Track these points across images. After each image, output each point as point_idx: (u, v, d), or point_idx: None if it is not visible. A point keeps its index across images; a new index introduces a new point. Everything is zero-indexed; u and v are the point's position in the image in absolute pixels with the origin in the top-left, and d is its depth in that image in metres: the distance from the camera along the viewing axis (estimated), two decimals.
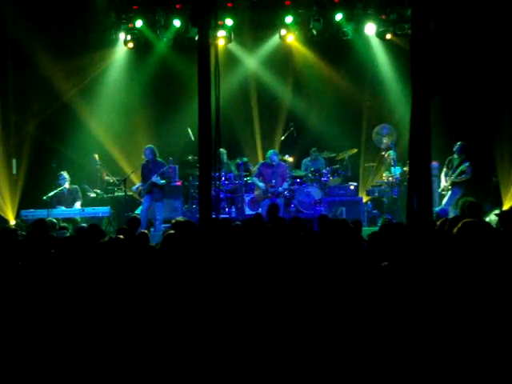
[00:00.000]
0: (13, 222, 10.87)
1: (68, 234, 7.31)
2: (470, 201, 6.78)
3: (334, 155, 11.99)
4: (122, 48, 12.39)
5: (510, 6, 10.84)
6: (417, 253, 3.46)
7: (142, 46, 12.37)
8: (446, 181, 10.59)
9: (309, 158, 12.00)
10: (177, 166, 11.78)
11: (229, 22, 11.83)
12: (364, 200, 11.57)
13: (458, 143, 10.61)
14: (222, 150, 11.08)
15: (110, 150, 12.49)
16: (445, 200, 10.45)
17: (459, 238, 3.96)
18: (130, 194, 11.13)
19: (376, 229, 7.61)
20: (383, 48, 12.48)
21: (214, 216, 4.13)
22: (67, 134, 12.18)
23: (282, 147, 12.42)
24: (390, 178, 11.23)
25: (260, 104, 13.12)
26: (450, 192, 10.47)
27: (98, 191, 11.66)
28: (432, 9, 3.55)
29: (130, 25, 11.92)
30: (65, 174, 10.79)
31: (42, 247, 4.96)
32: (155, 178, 10.29)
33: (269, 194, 10.92)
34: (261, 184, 11.00)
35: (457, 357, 3.28)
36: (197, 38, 4.07)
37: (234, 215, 11.03)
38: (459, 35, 11.43)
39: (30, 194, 11.27)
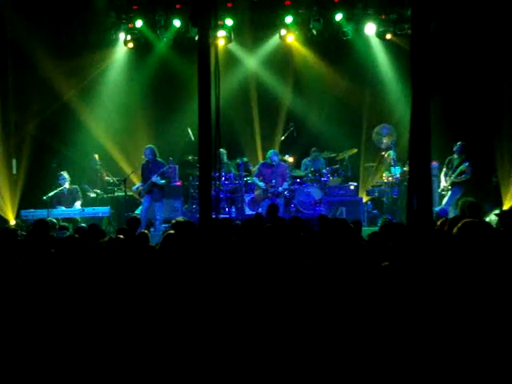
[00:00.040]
0: (13, 222, 10.87)
1: (68, 234, 7.32)
2: (469, 201, 6.78)
3: (334, 155, 11.99)
4: (121, 48, 12.40)
5: (510, 6, 10.84)
6: (417, 253, 3.45)
7: (141, 46, 12.38)
8: (446, 181, 10.59)
9: (309, 158, 12.01)
10: (177, 166, 11.79)
11: (229, 21, 11.83)
12: (364, 200, 11.57)
13: (458, 143, 10.61)
14: (222, 150, 11.09)
15: (110, 150, 12.50)
16: (445, 200, 10.45)
17: (459, 238, 3.96)
18: (130, 193, 11.13)
19: (376, 229, 7.62)
20: (383, 48, 12.48)
21: (213, 216, 4.13)
22: (67, 134, 12.20)
23: (282, 147, 12.43)
24: (390, 178, 11.23)
25: (260, 104, 13.12)
26: (449, 192, 10.47)
27: (98, 191, 11.67)
28: (432, 9, 3.55)
29: (130, 25, 11.93)
30: (65, 174, 10.79)
31: (42, 247, 4.96)
32: (155, 178, 10.30)
33: (269, 194, 10.93)
34: (261, 184, 11.01)
35: (457, 356, 3.28)
36: (197, 38, 4.06)
37: (234, 215, 11.03)
38: (459, 35, 11.43)
39: (30, 194, 11.27)
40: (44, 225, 6.73)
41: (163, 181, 10.43)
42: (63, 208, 10.55)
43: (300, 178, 11.53)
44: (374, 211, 11.51)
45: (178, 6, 11.73)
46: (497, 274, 3.73)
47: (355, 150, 11.97)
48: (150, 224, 10.46)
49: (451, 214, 9.13)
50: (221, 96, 4.11)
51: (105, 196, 11.59)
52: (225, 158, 11.49)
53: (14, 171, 11.70)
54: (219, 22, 11.35)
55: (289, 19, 11.89)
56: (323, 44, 12.49)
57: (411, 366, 3.27)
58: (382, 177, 11.66)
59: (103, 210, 10.60)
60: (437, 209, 9.54)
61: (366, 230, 8.04)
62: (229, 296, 3.79)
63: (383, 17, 11.88)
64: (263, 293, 3.85)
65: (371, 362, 3.33)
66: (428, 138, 3.39)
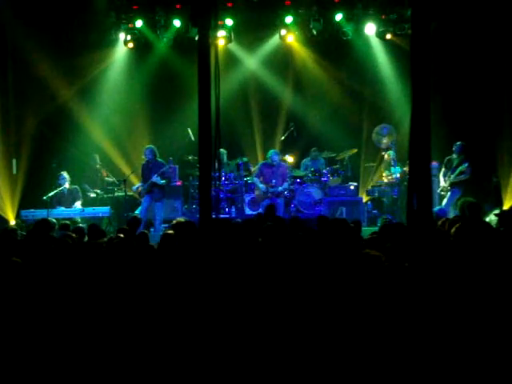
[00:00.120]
0: (13, 222, 10.86)
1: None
2: (469, 201, 6.77)
3: (334, 155, 11.99)
4: (121, 48, 12.39)
5: (510, 6, 10.84)
6: (417, 253, 3.45)
7: (142, 46, 12.37)
8: (445, 181, 10.57)
9: (309, 158, 12.01)
10: (177, 166, 11.78)
11: (229, 21, 11.82)
12: (364, 200, 11.56)
13: (458, 143, 10.60)
14: (222, 150, 11.09)
15: (110, 149, 12.48)
16: (445, 201, 10.44)
17: (457, 238, 3.96)
18: (130, 193, 11.13)
19: (376, 229, 7.62)
20: (383, 48, 12.47)
21: (213, 216, 4.13)
22: (67, 134, 12.19)
23: (282, 147, 12.42)
24: (390, 178, 11.23)
25: (260, 104, 13.12)
26: (449, 193, 10.45)
27: (98, 191, 11.66)
28: (432, 9, 3.54)
29: (130, 25, 11.91)
30: (65, 174, 10.78)
31: (42, 247, 4.95)
32: (155, 178, 10.30)
33: (269, 194, 10.92)
34: (261, 186, 10.98)
35: (456, 356, 3.28)
36: (197, 38, 4.07)
37: (234, 215, 11.03)
38: (459, 35, 11.43)
39: (30, 194, 11.26)
40: (46, 224, 6.73)
41: (163, 181, 10.43)
42: (63, 208, 10.54)
43: (300, 177, 11.52)
44: (374, 211, 11.51)
45: (177, 6, 11.71)
46: (496, 274, 3.73)
47: (355, 150, 11.97)
48: (149, 224, 10.46)
49: (451, 215, 9.12)
50: (221, 96, 4.12)
51: (105, 196, 11.59)
52: (225, 158, 11.49)
53: (14, 171, 11.68)
54: (219, 22, 11.33)
55: (289, 19, 11.88)
56: (323, 44, 12.48)
57: (411, 366, 3.27)
58: (381, 177, 11.66)
59: (103, 210, 10.60)
60: (436, 209, 9.52)
61: (366, 230, 8.04)
62: (228, 295, 3.79)
63: (383, 17, 11.88)
64: (263, 292, 3.85)
65: (370, 362, 3.33)
66: (428, 138, 3.39)
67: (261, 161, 12.12)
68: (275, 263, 4.28)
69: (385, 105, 12.64)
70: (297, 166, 12.12)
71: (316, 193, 11.22)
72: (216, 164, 4.18)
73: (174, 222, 6.31)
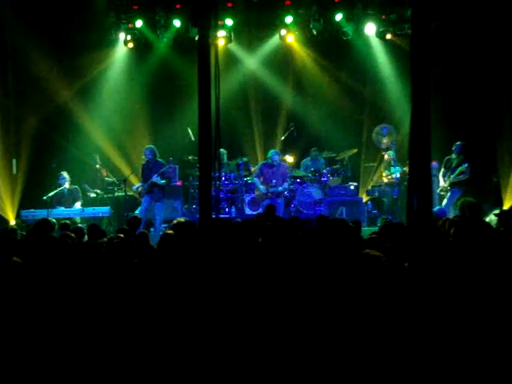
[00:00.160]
0: (13, 222, 10.86)
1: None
2: (469, 201, 6.77)
3: (334, 155, 11.99)
4: (121, 48, 12.39)
5: (510, 6, 10.84)
6: (417, 253, 3.45)
7: (142, 46, 12.37)
8: (445, 181, 10.57)
9: (309, 158, 12.01)
10: (177, 166, 11.78)
11: (229, 21, 11.82)
12: (364, 200, 11.56)
13: (457, 143, 10.59)
14: (222, 150, 11.09)
15: (110, 150, 12.49)
16: (445, 201, 10.44)
17: (456, 238, 3.97)
18: (130, 193, 11.12)
19: (376, 229, 7.62)
20: (383, 48, 12.47)
21: (213, 216, 4.13)
22: (67, 134, 12.20)
23: (282, 147, 12.42)
24: (390, 178, 11.23)
25: (260, 104, 13.12)
26: (449, 193, 10.44)
27: (98, 191, 11.66)
28: (432, 9, 3.54)
29: (130, 25, 11.91)
30: (65, 174, 10.78)
31: (42, 247, 4.95)
32: (155, 178, 10.30)
33: (269, 194, 10.92)
34: (261, 187, 10.97)
35: (456, 355, 3.28)
36: (197, 38, 4.06)
37: (234, 215, 11.03)
38: (459, 35, 11.43)
39: (30, 194, 11.26)
40: (46, 224, 6.72)
41: (163, 181, 10.43)
42: (63, 208, 10.54)
43: (300, 178, 11.52)
44: (374, 211, 11.51)
45: (177, 6, 11.71)
46: (496, 274, 3.73)
47: (355, 150, 11.97)
48: (149, 224, 10.46)
49: (451, 215, 9.12)
50: (221, 96, 4.11)
51: (105, 196, 11.58)
52: (225, 158, 11.49)
53: (14, 171, 11.68)
54: (219, 22, 11.34)
55: (289, 19, 11.88)
56: (323, 44, 12.49)
57: (411, 366, 3.27)
58: (381, 177, 11.66)
59: (103, 210, 10.60)
60: (435, 209, 9.52)
61: (366, 230, 8.04)
62: (228, 295, 3.79)
63: (383, 17, 11.88)
64: (263, 292, 3.85)
65: (370, 362, 3.33)
66: (428, 138, 3.39)
67: (261, 161, 12.12)
68: (275, 263, 4.28)
69: (385, 105, 12.64)
70: (297, 166, 12.12)
71: (316, 193, 11.22)
72: (216, 164, 4.18)
73: (175, 221, 6.31)
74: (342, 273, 4.00)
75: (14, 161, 11.73)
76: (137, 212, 10.57)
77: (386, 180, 11.38)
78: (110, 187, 11.70)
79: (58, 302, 3.90)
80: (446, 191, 10.51)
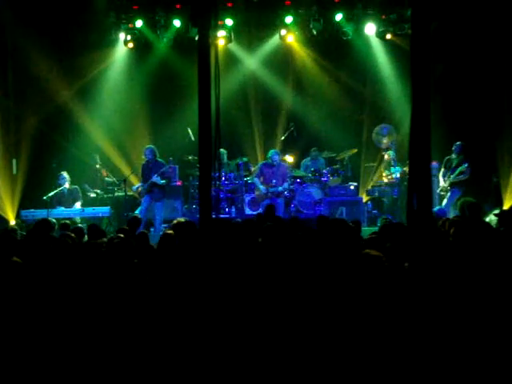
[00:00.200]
0: (13, 222, 10.86)
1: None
2: (469, 201, 6.77)
3: (334, 155, 11.99)
4: (122, 48, 12.39)
5: (510, 6, 10.84)
6: (417, 253, 3.45)
7: (142, 46, 12.37)
8: (445, 181, 10.56)
9: (309, 158, 12.01)
10: (177, 166, 11.78)
11: (229, 21, 11.82)
12: (364, 200, 11.56)
13: (457, 143, 10.59)
14: (222, 150, 11.09)
15: (110, 150, 12.49)
16: (445, 201, 10.43)
17: (456, 238, 3.96)
18: (130, 193, 11.12)
19: (376, 229, 7.62)
20: (383, 48, 12.47)
21: (213, 216, 4.13)
22: (67, 134, 12.20)
23: (282, 147, 12.42)
24: (390, 178, 11.23)
25: (260, 104, 13.13)
26: (449, 193, 10.44)
27: (98, 191, 11.66)
28: (432, 9, 3.54)
29: (130, 25, 11.92)
30: (65, 174, 10.78)
31: (42, 247, 4.95)
32: (155, 178, 10.30)
33: (269, 194, 10.92)
34: (261, 187, 10.96)
35: (456, 355, 3.28)
36: (197, 38, 4.06)
37: (234, 215, 11.03)
38: (459, 35, 11.43)
39: (30, 194, 11.27)
40: (46, 224, 6.72)
41: (163, 181, 10.43)
42: (63, 208, 10.54)
43: (300, 178, 11.52)
44: (374, 211, 11.50)
45: (177, 6, 11.71)
46: (496, 274, 3.73)
47: (355, 150, 11.97)
48: (149, 224, 10.46)
49: (451, 215, 9.12)
50: (221, 96, 4.11)
51: (105, 196, 11.59)
52: (225, 158, 11.49)
53: (14, 171, 11.68)
54: (219, 22, 11.34)
55: (289, 19, 11.88)
56: (323, 44, 12.49)
57: (411, 365, 3.27)
58: (381, 177, 11.66)
59: (103, 210, 10.60)
60: (435, 209, 9.52)
61: (366, 230, 8.04)
62: (228, 295, 3.79)
63: (383, 17, 11.88)
64: (262, 292, 3.85)
65: (370, 362, 3.33)
66: (428, 138, 3.39)
67: (261, 161, 12.12)
68: (275, 263, 4.28)
69: (385, 105, 12.65)
70: (297, 166, 12.12)
71: (316, 193, 11.22)
72: (216, 164, 4.17)
73: (175, 221, 6.31)
74: (342, 273, 4.00)
75: (14, 161, 11.73)
76: (137, 212, 10.57)
77: (386, 180, 11.38)
78: (110, 187, 11.70)
79: (58, 302, 3.90)
80: (446, 191, 10.51)
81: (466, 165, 10.36)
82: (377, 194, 11.49)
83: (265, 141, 13.07)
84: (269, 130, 13.08)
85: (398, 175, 11.08)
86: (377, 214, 11.30)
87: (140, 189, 10.58)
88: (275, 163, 11.00)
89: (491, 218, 8.71)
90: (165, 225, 9.97)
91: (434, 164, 10.57)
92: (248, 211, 11.17)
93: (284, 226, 6.06)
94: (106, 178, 11.93)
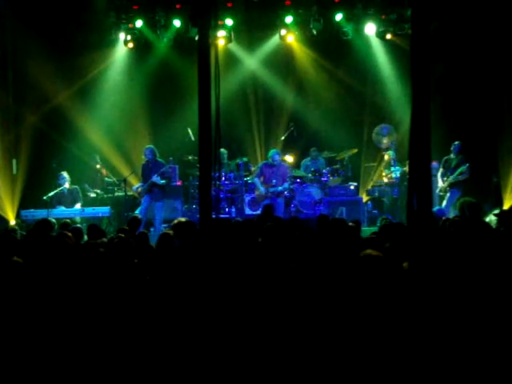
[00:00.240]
0: (13, 222, 10.86)
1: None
2: (469, 201, 6.78)
3: (334, 155, 12.00)
4: (122, 48, 12.40)
5: (510, 6, 10.84)
6: (417, 253, 3.45)
7: (142, 46, 12.38)
8: (444, 181, 10.54)
9: (309, 158, 12.02)
10: (177, 166, 11.78)
11: (229, 21, 11.83)
12: (364, 200, 11.57)
13: (456, 143, 10.57)
14: (222, 150, 11.10)
15: (110, 150, 12.49)
16: (444, 202, 10.41)
17: (456, 238, 3.96)
18: (130, 193, 11.13)
19: (376, 229, 7.62)
20: (383, 48, 12.48)
21: (214, 216, 4.13)
22: (67, 134, 12.19)
23: (282, 147, 12.42)
24: (390, 178, 11.23)
25: (260, 104, 13.13)
26: (449, 193, 10.42)
27: (98, 191, 11.66)
28: (432, 9, 3.54)
29: (130, 25, 11.93)
30: (65, 174, 10.79)
31: (42, 247, 4.96)
32: (155, 178, 10.31)
33: (269, 194, 10.92)
34: (262, 188, 10.95)
35: (456, 355, 3.28)
36: (197, 38, 4.06)
37: (234, 215, 11.03)
38: (460, 35, 11.43)
39: (30, 194, 11.27)
40: (46, 224, 6.72)
41: (163, 181, 10.44)
42: (63, 208, 10.55)
43: (300, 178, 11.52)
44: (374, 211, 11.51)
45: (178, 6, 11.72)
46: (496, 274, 3.73)
47: (355, 150, 11.97)
48: (150, 224, 10.47)
49: (451, 215, 9.11)
50: (221, 96, 4.11)
51: (105, 196, 11.59)
52: (225, 158, 11.50)
53: (14, 171, 11.69)
54: (219, 22, 11.35)
55: (289, 19, 11.89)
56: (323, 44, 12.49)
57: (411, 365, 3.27)
58: (381, 177, 11.66)
59: (103, 210, 10.60)
60: (434, 209, 9.51)
61: (366, 230, 8.05)
62: (228, 294, 3.79)
63: (383, 17, 11.88)
64: (262, 292, 3.85)
65: (370, 362, 3.33)
66: (428, 138, 3.39)
67: (261, 161, 12.12)
68: (274, 263, 4.29)
69: (385, 105, 12.65)
70: (297, 166, 12.12)
71: (316, 193, 11.22)
72: (216, 164, 4.17)
73: (175, 221, 6.31)
74: (342, 272, 4.01)
75: (14, 161, 11.73)
76: (137, 212, 10.57)
77: (386, 180, 11.39)
78: (110, 187, 11.71)
79: (58, 302, 3.90)
80: (445, 192, 10.50)
81: (466, 165, 10.34)
82: (377, 194, 11.50)
83: (265, 141, 13.08)
84: (269, 130, 13.09)
85: (398, 175, 11.08)
86: (377, 214, 11.29)
87: (140, 189, 10.58)
88: (276, 163, 10.99)
89: (491, 218, 8.71)
90: (165, 225, 9.97)
91: (434, 164, 10.57)
92: (248, 211, 11.17)
93: (283, 226, 6.06)
94: (106, 178, 11.94)
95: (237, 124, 12.75)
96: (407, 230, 4.14)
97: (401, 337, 3.36)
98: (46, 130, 12.04)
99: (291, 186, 11.29)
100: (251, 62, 12.86)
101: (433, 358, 3.28)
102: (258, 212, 10.18)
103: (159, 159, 10.60)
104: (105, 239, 5.89)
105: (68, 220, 8.51)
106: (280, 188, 10.92)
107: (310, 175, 11.49)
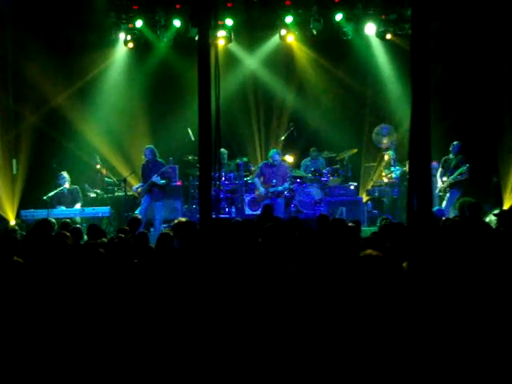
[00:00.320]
0: (13, 222, 10.87)
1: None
2: (469, 201, 6.78)
3: (334, 155, 12.00)
4: (121, 48, 12.40)
5: (511, 6, 10.84)
6: (417, 253, 3.45)
7: (142, 46, 12.38)
8: (443, 182, 10.52)
9: (308, 158, 12.02)
10: (177, 166, 11.78)
11: (229, 22, 11.83)
12: (364, 200, 11.57)
13: (455, 143, 10.54)
14: (223, 150, 11.11)
15: (110, 150, 12.49)
16: (444, 202, 10.40)
17: (456, 238, 3.96)
18: (130, 193, 11.13)
19: (376, 229, 7.63)
20: (383, 48, 12.48)
21: (214, 216, 4.13)
22: (67, 134, 12.20)
23: (282, 147, 12.42)
24: (390, 178, 11.23)
25: (260, 104, 13.13)
26: (448, 194, 10.40)
27: (98, 191, 11.67)
28: (432, 9, 3.54)
29: (130, 25, 11.93)
30: (65, 174, 10.80)
31: (42, 247, 4.96)
32: (155, 178, 10.31)
33: (269, 194, 10.92)
34: (262, 189, 10.94)
35: (456, 355, 3.28)
36: (197, 38, 4.06)
37: (233, 215, 11.03)
38: (460, 34, 11.43)
39: (30, 194, 11.27)
40: (46, 224, 6.72)
41: (163, 181, 10.43)
42: (63, 208, 10.55)
43: (300, 178, 11.52)
44: (374, 211, 11.51)
45: (177, 6, 11.72)
46: (496, 274, 3.74)
47: (355, 150, 11.97)
48: (150, 224, 10.47)
49: (452, 216, 9.11)
50: (221, 96, 4.11)
51: (105, 196, 11.59)
52: (226, 158, 11.50)
53: (14, 171, 11.69)
54: (219, 22, 11.35)
55: (289, 19, 11.89)
56: (323, 44, 12.50)
57: (410, 365, 3.27)
58: (381, 177, 11.66)
59: (103, 210, 10.61)
60: (433, 209, 9.49)
61: (366, 230, 8.05)
62: (228, 294, 3.79)
63: (383, 17, 11.88)
64: (262, 292, 3.85)
65: (370, 363, 3.33)
66: (428, 138, 3.39)
67: (261, 161, 12.12)
68: (274, 263, 4.29)
69: (385, 105, 12.65)
70: (297, 166, 12.12)
71: (316, 193, 11.22)
72: (216, 164, 4.17)
73: (176, 221, 6.31)
74: (342, 272, 4.01)
75: (14, 161, 11.74)
76: (137, 212, 10.57)
77: (386, 180, 11.39)
78: (110, 187, 11.71)
79: (57, 302, 3.90)
80: (445, 192, 10.48)
81: (466, 166, 10.30)
82: (377, 194, 11.50)
83: (265, 141, 13.09)
84: (269, 130, 13.09)
85: (398, 175, 11.08)
86: (377, 214, 11.30)
87: (140, 189, 10.58)
88: (276, 163, 10.97)
89: (491, 218, 8.71)
90: (165, 225, 9.97)
91: (434, 164, 10.56)
92: (248, 211, 11.17)
93: (282, 227, 6.06)
94: (106, 178, 11.94)
95: (237, 124, 12.76)
96: (407, 230, 4.14)
97: (401, 337, 3.36)
98: (46, 130, 12.05)
99: (291, 186, 11.28)
100: (251, 62, 12.86)
101: (433, 357, 3.28)
102: (258, 212, 10.17)
103: (159, 159, 10.60)
104: (105, 239, 5.89)
105: (68, 220, 8.51)
106: (280, 188, 10.91)
107: (310, 175, 11.49)
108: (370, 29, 12.01)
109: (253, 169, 11.79)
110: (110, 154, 12.45)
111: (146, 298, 3.96)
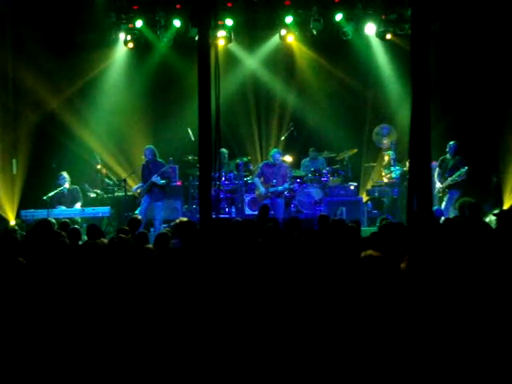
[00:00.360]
0: (13, 222, 10.87)
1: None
2: (469, 201, 6.77)
3: (334, 155, 12.00)
4: (122, 48, 12.40)
5: (511, 6, 10.84)
6: (417, 253, 3.45)
7: (142, 46, 12.38)
8: (441, 182, 10.48)
9: (308, 158, 12.01)
10: (177, 166, 11.78)
11: (229, 22, 11.83)
12: (364, 200, 11.57)
13: (451, 143, 10.45)
14: (223, 149, 11.11)
15: (110, 150, 12.50)
16: (444, 203, 10.36)
17: (456, 238, 3.96)
18: (130, 194, 11.12)
19: (376, 229, 7.62)
20: (383, 48, 12.48)
21: (214, 216, 4.13)
22: (67, 134, 12.19)
23: (282, 147, 12.42)
24: (390, 178, 11.22)
25: (260, 104, 13.13)
26: (448, 195, 10.36)
27: (98, 191, 11.67)
28: (432, 9, 3.55)
29: (130, 25, 11.93)
30: (65, 174, 10.79)
31: (42, 247, 4.96)
32: (155, 178, 10.30)
33: (269, 194, 10.91)
34: (262, 189, 10.93)
35: (456, 355, 3.28)
36: (197, 38, 4.07)
37: (233, 215, 11.03)
38: (460, 34, 11.43)
39: (30, 194, 11.27)
40: (46, 225, 6.72)
41: (163, 181, 10.43)
42: (63, 208, 10.55)
43: (300, 178, 11.52)
44: (374, 211, 11.51)
45: (178, 6, 11.73)
46: (496, 274, 3.74)
47: (355, 150, 11.96)
48: (150, 224, 10.47)
49: (451, 215, 9.10)
50: (221, 96, 4.11)
51: (105, 196, 11.59)
52: (226, 157, 11.50)
53: (14, 171, 11.69)
54: (219, 22, 11.35)
55: (289, 19, 11.89)
56: (323, 44, 12.49)
57: (411, 365, 3.27)
58: (381, 177, 11.65)
59: (103, 210, 10.61)
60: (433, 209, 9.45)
61: (366, 230, 8.04)
62: (228, 294, 3.79)
63: (383, 17, 11.88)
64: (262, 292, 3.85)
65: (370, 363, 3.33)
66: (428, 138, 3.39)
67: (261, 161, 12.12)
68: (274, 263, 4.29)
69: (385, 105, 12.65)
70: (297, 166, 12.12)
71: (316, 193, 11.21)
72: (216, 164, 4.18)
73: (177, 221, 6.31)
74: (342, 273, 4.00)
75: (14, 161, 11.74)
76: (137, 212, 10.57)
77: (386, 180, 11.38)
78: (110, 187, 11.71)
79: (57, 302, 3.90)
80: (444, 193, 10.45)
81: (465, 169, 10.22)
82: (377, 194, 11.50)
83: (265, 141, 13.08)
84: (269, 130, 13.09)
85: (398, 175, 11.07)
86: (377, 214, 11.29)
87: (139, 189, 10.58)
88: (276, 163, 10.95)
89: (491, 218, 8.71)
90: (165, 225, 9.97)
91: (434, 164, 10.54)
92: (248, 211, 11.17)
93: (279, 227, 6.05)
94: (106, 179, 11.94)
95: (237, 124, 12.75)
96: (407, 230, 4.14)
97: (401, 337, 3.36)
98: (46, 130, 12.04)
99: (291, 186, 11.27)
100: (251, 62, 12.85)
101: (433, 357, 3.28)
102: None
103: (159, 159, 10.59)
104: (104, 239, 5.90)
105: (68, 220, 8.52)
106: (280, 188, 10.90)
107: (309, 175, 11.49)
108: (370, 29, 12.00)
109: (253, 169, 11.79)
110: (110, 154, 12.46)
111: (145, 298, 3.96)
